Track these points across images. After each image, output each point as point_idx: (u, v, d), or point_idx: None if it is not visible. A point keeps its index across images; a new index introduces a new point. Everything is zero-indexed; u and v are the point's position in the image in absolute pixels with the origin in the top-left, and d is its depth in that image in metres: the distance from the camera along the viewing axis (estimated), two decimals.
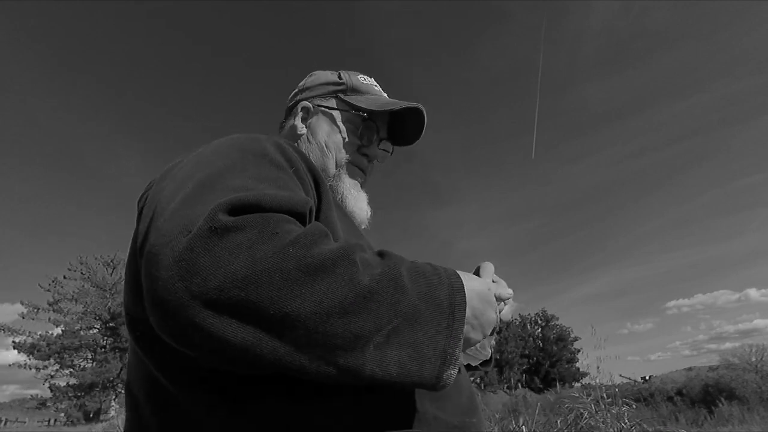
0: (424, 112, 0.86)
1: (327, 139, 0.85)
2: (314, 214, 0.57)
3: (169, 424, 0.54)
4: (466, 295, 0.50)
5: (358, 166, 0.87)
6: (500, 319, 0.63)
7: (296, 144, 0.85)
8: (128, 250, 0.61)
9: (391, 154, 0.95)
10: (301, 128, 0.87)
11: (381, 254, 0.50)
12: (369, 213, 0.87)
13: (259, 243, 0.41)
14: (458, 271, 0.55)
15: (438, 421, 0.58)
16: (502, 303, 0.62)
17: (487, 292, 0.56)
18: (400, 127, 0.91)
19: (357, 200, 0.84)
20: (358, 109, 0.86)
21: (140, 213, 0.58)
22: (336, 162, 0.84)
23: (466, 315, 0.50)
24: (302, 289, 0.40)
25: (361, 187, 0.88)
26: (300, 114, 0.88)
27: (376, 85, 0.92)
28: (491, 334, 0.58)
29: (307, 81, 0.93)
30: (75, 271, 26.41)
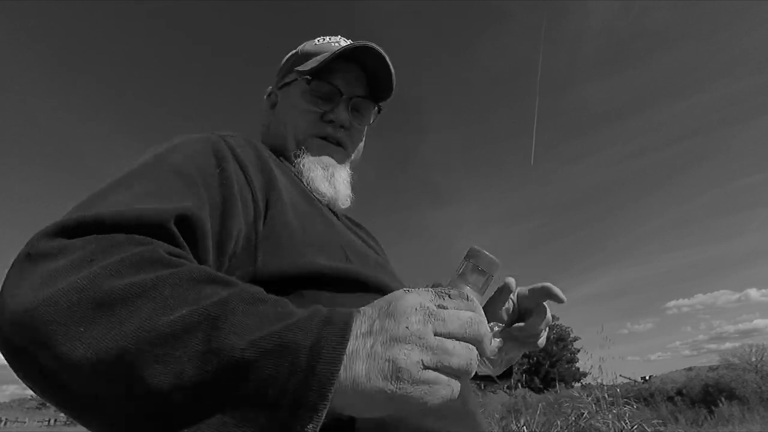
0: (378, 49, 0.75)
1: (284, 117, 0.81)
2: (205, 220, 0.48)
3: None
4: (350, 345, 0.34)
5: (324, 136, 0.78)
6: (478, 358, 0.38)
7: (267, 129, 0.86)
8: None
9: (379, 112, 0.86)
10: (267, 117, 0.87)
11: (225, 284, 0.38)
12: (342, 191, 0.77)
13: (63, 271, 0.35)
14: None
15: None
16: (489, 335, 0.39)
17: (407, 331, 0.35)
18: (374, 79, 0.81)
19: (322, 179, 0.75)
20: (301, 74, 0.78)
21: None
22: (295, 140, 0.78)
23: (343, 375, 0.33)
24: (80, 327, 0.32)
25: (340, 158, 0.80)
26: (269, 101, 0.87)
27: (336, 42, 0.82)
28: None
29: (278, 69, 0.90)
30: None
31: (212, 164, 0.55)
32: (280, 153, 0.78)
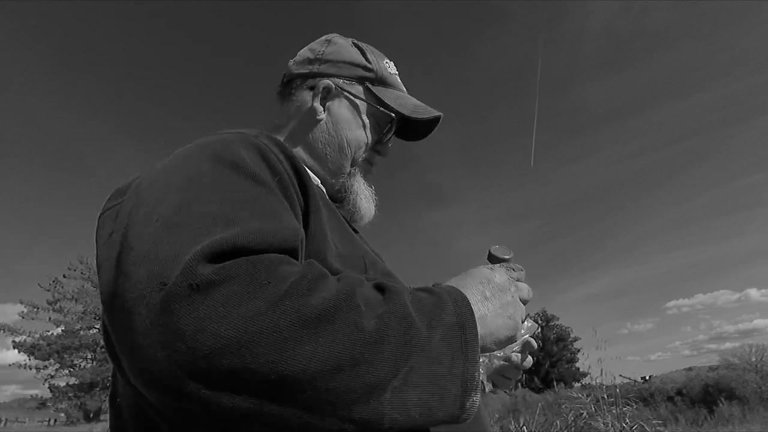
0: (440, 119, 0.85)
1: (349, 134, 0.78)
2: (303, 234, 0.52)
3: None
4: (475, 310, 0.48)
5: (371, 162, 0.85)
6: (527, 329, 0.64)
7: (314, 127, 0.78)
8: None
9: None
10: (320, 112, 0.78)
11: (380, 288, 0.45)
12: (374, 210, 0.84)
13: (249, 297, 0.35)
14: (464, 276, 0.55)
15: None
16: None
17: (504, 297, 0.54)
18: (410, 124, 0.87)
19: (369, 200, 0.82)
20: (388, 108, 0.79)
21: (100, 233, 0.50)
22: (353, 161, 0.80)
23: (481, 331, 0.48)
24: (304, 346, 0.35)
25: (370, 180, 0.86)
26: (320, 93, 0.78)
27: (397, 74, 0.87)
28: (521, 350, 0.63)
29: (327, 50, 0.81)
30: (75, 270, 26.41)
31: (268, 173, 0.52)
32: (317, 159, 0.79)
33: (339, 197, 0.81)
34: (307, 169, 0.71)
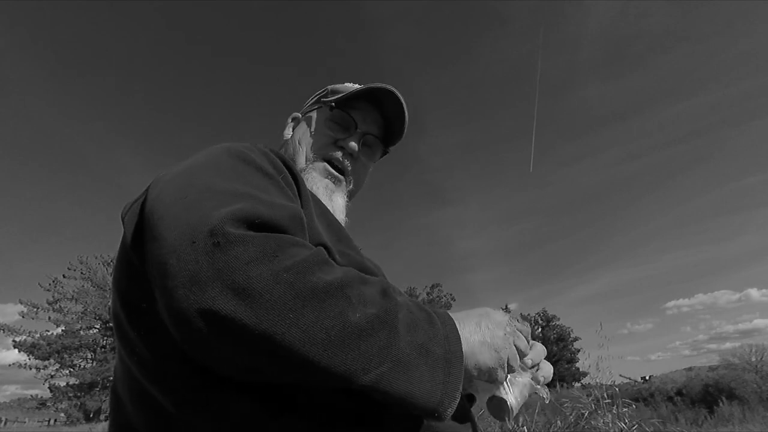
0: (399, 96, 0.86)
1: (301, 137, 0.90)
2: None
3: (153, 427, 0.54)
4: (463, 335, 0.54)
5: (332, 158, 0.86)
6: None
7: (287, 148, 0.92)
8: (119, 249, 0.63)
9: (386, 153, 0.98)
10: (287, 134, 0.95)
11: (384, 292, 0.50)
12: (338, 210, 0.84)
13: (258, 262, 0.42)
14: (462, 316, 0.58)
15: None
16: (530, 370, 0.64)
17: (499, 340, 0.57)
18: (389, 125, 0.92)
19: (323, 194, 0.82)
20: (326, 103, 0.89)
21: (139, 222, 0.58)
22: (305, 156, 0.86)
23: (465, 354, 0.53)
24: (290, 314, 0.41)
25: (339, 186, 0.86)
26: (290, 124, 0.97)
27: (364, 86, 0.90)
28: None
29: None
30: (75, 270, 26.42)
31: (273, 169, 0.62)
32: None
33: None
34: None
